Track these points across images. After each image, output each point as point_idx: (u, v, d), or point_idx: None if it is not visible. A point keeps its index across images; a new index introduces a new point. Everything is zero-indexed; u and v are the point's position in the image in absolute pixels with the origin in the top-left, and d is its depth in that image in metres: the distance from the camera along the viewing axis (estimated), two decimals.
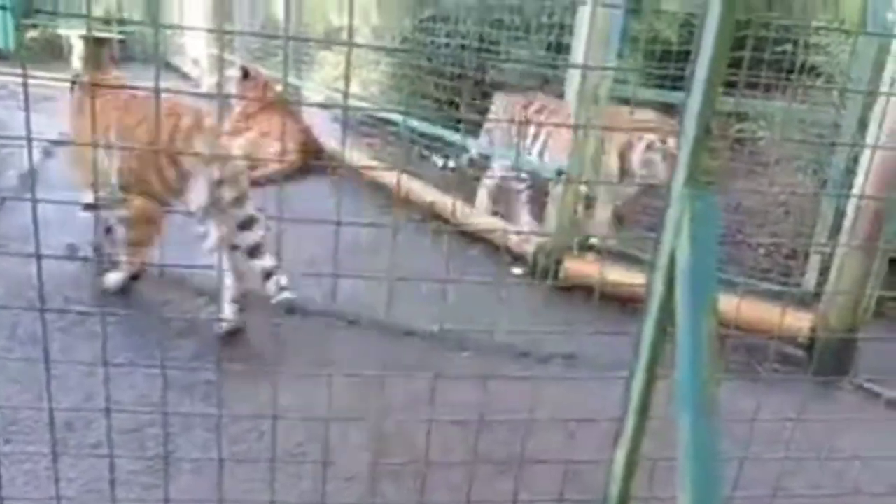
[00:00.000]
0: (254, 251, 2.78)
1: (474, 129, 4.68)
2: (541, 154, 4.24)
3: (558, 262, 3.78)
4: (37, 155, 3.74)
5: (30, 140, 1.14)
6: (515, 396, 2.03)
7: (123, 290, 3.14)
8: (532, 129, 4.21)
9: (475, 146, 4.63)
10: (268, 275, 2.83)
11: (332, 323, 3.11)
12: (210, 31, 8.70)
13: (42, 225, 1.30)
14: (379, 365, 2.30)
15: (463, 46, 4.81)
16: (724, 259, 3.65)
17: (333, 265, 1.31)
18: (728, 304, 2.30)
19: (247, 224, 2.73)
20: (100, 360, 1.43)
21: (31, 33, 11.14)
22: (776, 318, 2.54)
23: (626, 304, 2.85)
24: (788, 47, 3.82)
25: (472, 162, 4.81)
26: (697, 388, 1.11)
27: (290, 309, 2.94)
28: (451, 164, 5.09)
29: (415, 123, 4.69)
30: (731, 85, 3.43)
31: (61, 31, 10.74)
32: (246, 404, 2.31)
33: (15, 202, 4.14)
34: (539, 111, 4.22)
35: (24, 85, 1.28)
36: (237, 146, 5.75)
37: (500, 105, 4.48)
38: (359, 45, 5.90)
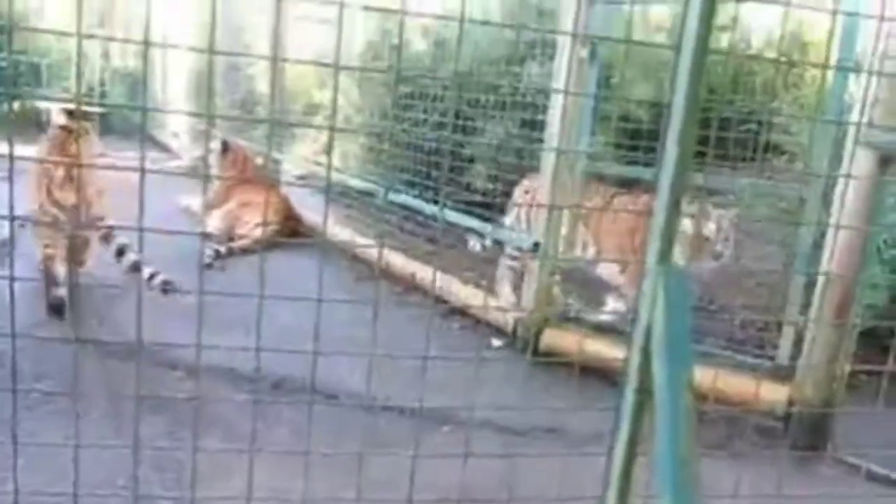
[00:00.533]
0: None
1: (459, 204, 4.69)
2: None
3: (538, 335, 3.79)
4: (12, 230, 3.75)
5: (12, 218, 1.14)
6: (496, 472, 2.00)
7: (96, 364, 3.08)
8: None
9: (492, 230, 4.56)
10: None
11: (311, 398, 3.05)
12: (194, 114, 8.86)
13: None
14: (357, 441, 2.25)
15: (440, 123, 4.95)
16: (699, 330, 3.69)
17: (314, 342, 1.31)
18: (705, 376, 2.33)
19: None
20: (68, 439, 1.39)
21: (11, 106, 11.22)
22: (752, 390, 2.56)
23: (607, 376, 2.85)
24: (753, 126, 4.00)
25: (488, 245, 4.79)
26: (677, 466, 1.11)
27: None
28: (486, 245, 4.92)
29: (396, 196, 4.76)
30: (699, 159, 3.58)
31: (41, 105, 10.84)
32: (220, 484, 2.24)
33: None
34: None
35: (10, 159, 1.30)
36: (217, 217, 5.79)
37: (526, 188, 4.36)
38: (341, 130, 6.03)
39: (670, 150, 1.30)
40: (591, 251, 4.12)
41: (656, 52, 5.26)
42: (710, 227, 3.70)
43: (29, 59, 11.93)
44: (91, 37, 11.66)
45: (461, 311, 4.25)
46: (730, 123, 3.77)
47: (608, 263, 4.10)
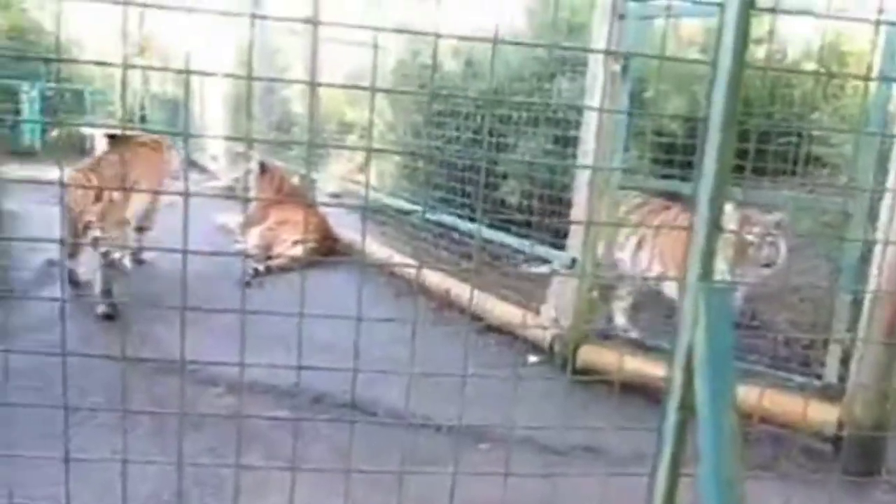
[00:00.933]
0: None
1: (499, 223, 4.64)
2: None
3: (576, 351, 3.76)
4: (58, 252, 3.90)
5: (62, 241, 1.18)
6: (536, 492, 1.98)
7: (140, 380, 3.15)
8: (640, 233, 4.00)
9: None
10: None
11: (350, 414, 3.07)
12: (233, 139, 9.08)
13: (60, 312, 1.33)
14: (397, 459, 2.26)
15: (473, 140, 4.98)
16: (742, 347, 3.61)
17: (353, 359, 1.33)
18: (749, 394, 2.27)
19: None
20: (115, 454, 1.42)
21: (57, 132, 11.64)
22: (799, 409, 2.49)
23: (647, 393, 2.81)
24: (792, 139, 3.93)
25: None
26: (723, 487, 1.09)
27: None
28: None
29: (431, 214, 4.78)
30: (737, 173, 3.52)
31: (85, 130, 11.23)
32: (260, 500, 2.26)
33: (33, 294, 4.22)
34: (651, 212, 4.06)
35: (61, 184, 1.35)
36: (255, 235, 5.90)
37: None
38: (378, 150, 6.12)
39: (708, 165, 1.29)
40: (655, 268, 4.00)
41: (689, 65, 5.23)
42: (754, 232, 3.56)
43: (73, 88, 12.38)
44: (134, 66, 12.02)
45: (497, 328, 4.23)
46: (769, 136, 3.71)
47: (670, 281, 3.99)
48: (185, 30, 7.02)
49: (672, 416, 1.37)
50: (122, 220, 4.68)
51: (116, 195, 4.36)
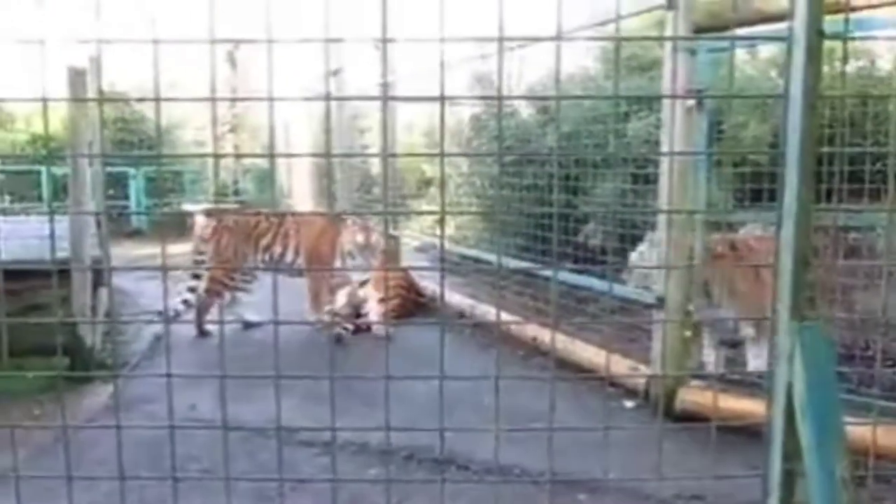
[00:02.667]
0: None
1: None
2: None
3: (672, 394, 3.61)
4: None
5: (167, 321, 1.27)
6: None
7: (241, 444, 3.26)
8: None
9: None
10: None
11: (444, 468, 3.06)
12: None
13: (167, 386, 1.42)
14: None
15: (550, 187, 4.99)
16: (855, 379, 3.37)
17: (440, 418, 1.34)
18: (868, 430, 2.11)
19: None
20: None
21: (162, 211, 12.54)
22: None
23: (751, 435, 2.65)
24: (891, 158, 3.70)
25: None
26: None
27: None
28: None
29: (511, 262, 4.79)
30: (830, 198, 3.35)
31: (186, 207, 12.03)
32: None
33: (143, 366, 4.49)
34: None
35: (163, 260, 1.45)
36: (341, 296, 6.07)
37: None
38: (451, 213, 6.38)
39: (789, 198, 1.25)
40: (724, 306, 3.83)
41: (768, 90, 5.07)
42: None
43: (173, 170, 13.36)
44: (221, 156, 12.88)
45: (588, 373, 4.14)
46: (863, 156, 3.52)
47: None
48: (270, 108, 7.46)
49: (776, 464, 1.30)
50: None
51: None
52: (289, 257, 5.63)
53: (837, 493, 1.05)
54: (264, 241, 5.60)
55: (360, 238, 5.45)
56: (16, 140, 12.92)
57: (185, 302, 5.51)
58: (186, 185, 13.40)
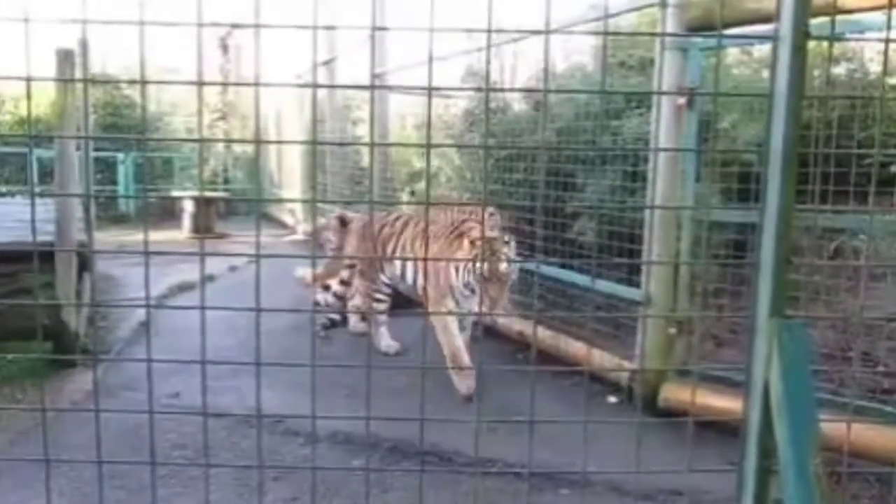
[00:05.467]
0: None
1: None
2: None
3: (656, 390, 3.64)
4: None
5: (148, 306, 1.27)
6: None
7: (225, 433, 3.26)
8: None
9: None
10: None
11: (427, 461, 3.07)
12: (302, 201, 9.48)
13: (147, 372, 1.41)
14: None
15: (547, 182, 4.98)
16: (836, 380, 3.40)
17: (420, 408, 1.34)
18: (853, 430, 2.13)
19: None
20: None
21: (149, 197, 12.48)
22: None
23: (732, 431, 2.67)
24: (882, 159, 3.74)
25: None
26: None
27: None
28: None
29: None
30: (820, 200, 3.37)
31: (175, 193, 11.97)
32: None
33: (126, 352, 4.47)
34: None
35: (146, 246, 1.45)
36: (333, 288, 6.06)
37: None
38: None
39: (771, 197, 1.25)
40: None
41: (761, 90, 5.08)
42: None
43: (162, 156, 13.28)
44: (207, 140, 12.80)
45: (572, 367, 4.16)
46: (850, 157, 3.54)
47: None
48: (261, 95, 7.42)
49: (752, 459, 1.31)
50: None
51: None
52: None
53: (811, 488, 1.07)
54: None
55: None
56: (2, 121, 12.80)
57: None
58: (176, 171, 13.33)
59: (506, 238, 4.01)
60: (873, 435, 2.76)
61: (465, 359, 3.87)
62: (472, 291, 3.91)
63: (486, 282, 3.75)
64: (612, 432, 3.34)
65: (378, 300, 4.89)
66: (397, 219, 4.93)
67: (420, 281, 4.58)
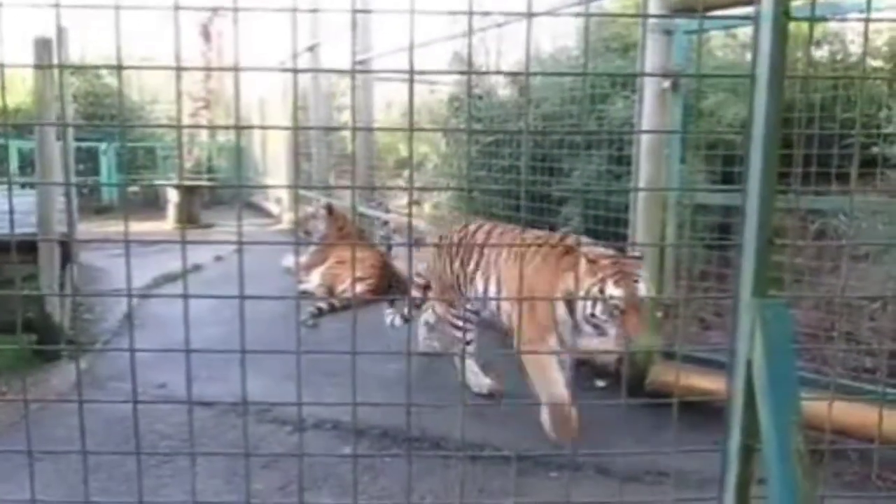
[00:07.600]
0: None
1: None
2: None
3: (643, 373, 3.66)
4: (134, 301, 4.09)
5: (130, 295, 1.26)
6: None
7: (213, 421, 3.25)
8: None
9: None
10: None
11: (416, 447, 3.08)
12: (286, 187, 9.42)
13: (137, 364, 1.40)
14: (466, 491, 2.25)
15: (529, 166, 4.98)
16: (820, 359, 3.45)
17: (406, 394, 1.34)
18: (835, 409, 2.16)
19: None
20: (188, 495, 1.48)
21: (133, 188, 12.38)
22: (890, 422, 2.35)
23: (719, 413, 2.70)
24: (862, 139, 3.76)
25: None
26: None
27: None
28: None
29: None
30: (803, 181, 3.39)
31: (158, 182, 11.88)
32: None
33: (114, 343, 4.44)
34: None
35: (126, 237, 1.43)
36: (317, 275, 6.05)
37: None
38: (420, 189, 6.19)
39: (753, 178, 1.26)
40: None
41: (745, 71, 5.09)
42: None
43: (145, 146, 13.14)
44: (186, 126, 12.67)
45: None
46: (832, 139, 3.56)
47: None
48: (245, 81, 7.36)
49: (736, 438, 1.33)
50: None
51: None
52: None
53: (793, 466, 1.08)
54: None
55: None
56: None
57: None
58: (159, 161, 13.20)
59: (636, 253, 3.22)
60: (855, 413, 2.79)
61: (571, 408, 3.11)
62: (596, 327, 3.04)
63: (621, 314, 2.93)
64: (601, 416, 3.38)
65: (460, 328, 3.81)
66: (479, 228, 3.99)
67: (506, 307, 3.62)
